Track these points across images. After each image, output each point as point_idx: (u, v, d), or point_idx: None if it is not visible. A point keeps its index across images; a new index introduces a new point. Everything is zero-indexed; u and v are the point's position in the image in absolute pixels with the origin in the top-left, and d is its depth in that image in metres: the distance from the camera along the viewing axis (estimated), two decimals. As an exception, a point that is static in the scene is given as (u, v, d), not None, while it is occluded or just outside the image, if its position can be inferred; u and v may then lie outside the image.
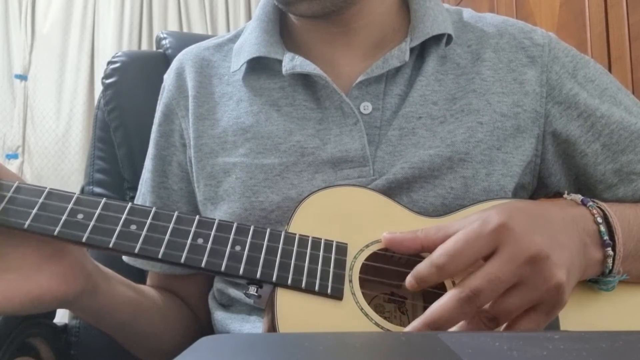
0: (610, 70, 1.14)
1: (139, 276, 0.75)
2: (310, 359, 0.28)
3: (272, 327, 0.48)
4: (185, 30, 2.87)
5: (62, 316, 0.81)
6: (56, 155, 2.76)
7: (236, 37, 0.75)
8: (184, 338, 0.71)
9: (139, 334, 0.67)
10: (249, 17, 2.88)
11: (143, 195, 0.74)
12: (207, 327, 0.72)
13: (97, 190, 0.91)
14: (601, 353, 0.30)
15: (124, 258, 0.72)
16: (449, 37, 0.66)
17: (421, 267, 0.48)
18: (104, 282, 0.59)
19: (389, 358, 0.29)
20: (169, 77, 0.75)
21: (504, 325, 0.48)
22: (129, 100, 0.94)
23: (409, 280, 0.49)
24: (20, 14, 2.79)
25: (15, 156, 2.73)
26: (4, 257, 0.49)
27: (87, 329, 0.81)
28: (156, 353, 0.70)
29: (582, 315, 0.55)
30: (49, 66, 2.79)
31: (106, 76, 0.96)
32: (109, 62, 0.97)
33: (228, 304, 0.68)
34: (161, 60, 0.98)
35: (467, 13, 0.72)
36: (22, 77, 2.79)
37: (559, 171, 0.67)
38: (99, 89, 2.29)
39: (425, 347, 0.31)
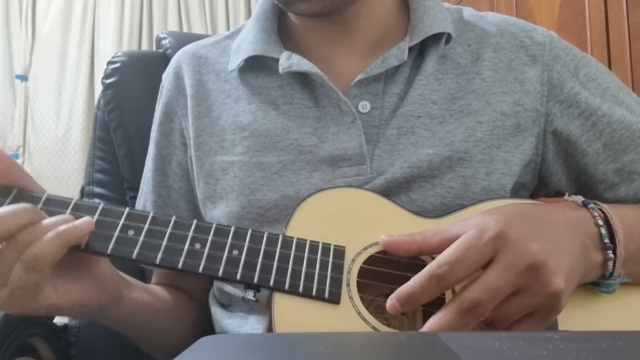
0: (610, 70, 1.13)
1: (138, 274, 0.75)
2: (310, 359, 0.28)
3: (270, 331, 0.48)
4: (185, 30, 2.87)
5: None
6: (56, 155, 2.76)
7: (234, 34, 0.75)
8: (193, 331, 0.72)
9: (155, 334, 0.68)
10: (248, 17, 2.86)
11: (145, 194, 0.74)
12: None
13: (97, 190, 0.91)
14: (601, 353, 0.29)
15: None
16: (449, 36, 0.66)
17: (419, 279, 0.47)
18: (125, 288, 0.60)
19: (389, 358, 0.29)
20: (167, 77, 0.75)
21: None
22: (129, 100, 0.94)
23: (391, 302, 0.48)
24: (20, 14, 2.79)
25: (15, 156, 2.73)
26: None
27: (87, 329, 0.81)
28: (169, 349, 0.71)
29: (581, 318, 0.54)
30: (49, 66, 2.79)
31: (106, 76, 0.96)
32: (109, 62, 0.97)
33: (227, 303, 0.68)
34: (161, 60, 0.98)
35: (468, 12, 0.72)
36: (23, 78, 2.79)
37: (560, 170, 0.67)
38: (99, 89, 2.29)
39: (425, 347, 0.31)
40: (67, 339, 0.80)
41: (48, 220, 0.49)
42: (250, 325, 0.62)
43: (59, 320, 0.78)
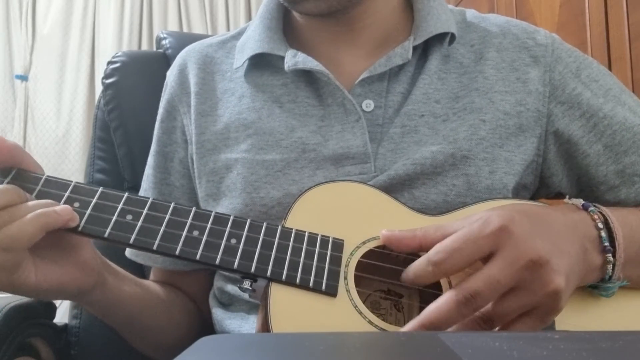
0: (610, 70, 1.13)
1: (138, 272, 0.75)
2: (310, 359, 0.28)
3: (265, 323, 0.48)
4: (185, 30, 2.88)
5: (62, 316, 0.81)
6: (56, 156, 2.77)
7: (239, 34, 0.76)
8: (188, 332, 0.72)
9: (144, 328, 0.68)
10: (249, 17, 2.89)
11: (145, 191, 0.74)
12: (211, 322, 0.73)
13: (97, 190, 0.90)
14: (601, 353, 0.29)
15: (127, 253, 0.73)
16: (452, 37, 0.66)
17: (417, 264, 0.48)
18: (111, 277, 0.60)
19: (389, 358, 0.29)
20: (171, 74, 0.75)
21: (498, 327, 0.48)
22: (129, 100, 0.94)
23: (405, 275, 0.49)
24: (20, 14, 2.80)
25: (15, 156, 2.73)
26: (34, 246, 0.50)
27: (87, 329, 0.82)
28: (160, 347, 0.71)
29: (579, 320, 0.54)
30: (49, 66, 2.80)
31: (106, 76, 0.96)
32: (109, 62, 0.97)
33: (228, 303, 0.68)
34: (161, 60, 0.98)
35: (471, 13, 0.73)
36: (23, 78, 2.79)
37: (561, 171, 0.66)
38: (99, 89, 2.29)
39: (425, 347, 0.31)
40: (67, 339, 0.81)
41: (29, 203, 0.49)
42: (250, 324, 0.62)
43: (59, 320, 0.78)
